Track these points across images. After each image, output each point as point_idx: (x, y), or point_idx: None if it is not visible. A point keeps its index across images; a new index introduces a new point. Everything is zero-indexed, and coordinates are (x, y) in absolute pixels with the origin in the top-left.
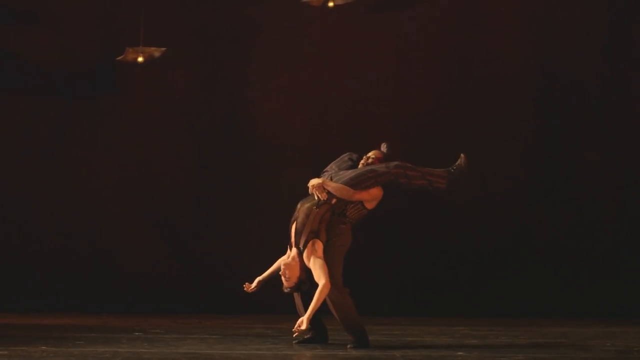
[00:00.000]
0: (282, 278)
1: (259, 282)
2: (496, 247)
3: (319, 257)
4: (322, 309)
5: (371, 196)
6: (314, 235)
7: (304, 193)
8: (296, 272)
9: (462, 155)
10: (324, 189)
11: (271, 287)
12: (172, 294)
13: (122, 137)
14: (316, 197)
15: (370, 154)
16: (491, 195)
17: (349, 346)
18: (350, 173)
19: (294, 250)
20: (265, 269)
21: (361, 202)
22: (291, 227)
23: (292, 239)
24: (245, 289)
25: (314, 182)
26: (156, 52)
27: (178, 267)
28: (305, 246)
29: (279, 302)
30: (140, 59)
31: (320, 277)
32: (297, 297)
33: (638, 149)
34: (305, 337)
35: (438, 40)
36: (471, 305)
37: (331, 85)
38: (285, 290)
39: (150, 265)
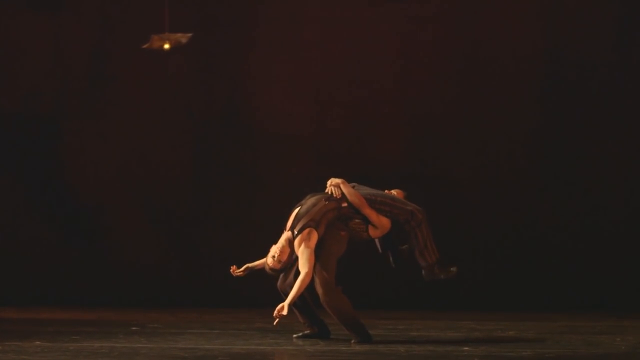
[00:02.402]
0: (269, 258)
1: (247, 268)
2: (504, 238)
3: (309, 247)
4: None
5: (379, 223)
6: (313, 224)
7: (306, 184)
8: (285, 255)
9: (454, 269)
10: (341, 189)
11: (272, 280)
12: (171, 287)
13: (119, 126)
14: (329, 193)
15: (393, 190)
16: (498, 186)
17: (353, 341)
18: (372, 190)
19: (287, 233)
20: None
21: (366, 224)
22: (291, 212)
23: (289, 223)
24: (231, 271)
25: (334, 179)
26: (183, 38)
27: (177, 260)
28: (300, 232)
29: (281, 296)
30: (166, 46)
31: (304, 265)
32: (281, 280)
33: None
34: (306, 332)
35: (444, 27)
36: (478, 299)
37: (333, 73)
38: (269, 271)
39: (149, 258)
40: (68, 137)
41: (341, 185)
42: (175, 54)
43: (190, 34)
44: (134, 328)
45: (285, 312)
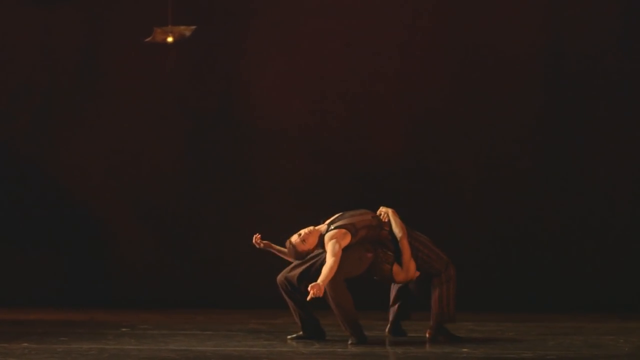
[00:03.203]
0: (295, 235)
1: (268, 244)
2: (503, 237)
3: (338, 244)
4: (315, 305)
5: (407, 264)
6: (352, 229)
7: (303, 180)
8: (311, 239)
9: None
10: (389, 216)
11: (267, 280)
12: (163, 287)
13: (110, 122)
14: (379, 214)
15: (382, 208)
16: (500, 182)
17: (350, 342)
18: (423, 235)
19: (323, 225)
20: (261, 260)
21: (394, 261)
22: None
23: (331, 218)
24: (254, 240)
25: (385, 208)
26: (187, 30)
27: (168, 259)
28: (336, 229)
29: (275, 297)
30: (170, 39)
31: (331, 256)
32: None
33: None
34: (300, 333)
35: (444, 18)
36: (477, 299)
37: (331, 65)
38: (287, 247)
39: (139, 257)
40: (58, 133)
41: (390, 213)
42: (171, 48)
43: (193, 27)
44: (124, 329)
45: (321, 293)
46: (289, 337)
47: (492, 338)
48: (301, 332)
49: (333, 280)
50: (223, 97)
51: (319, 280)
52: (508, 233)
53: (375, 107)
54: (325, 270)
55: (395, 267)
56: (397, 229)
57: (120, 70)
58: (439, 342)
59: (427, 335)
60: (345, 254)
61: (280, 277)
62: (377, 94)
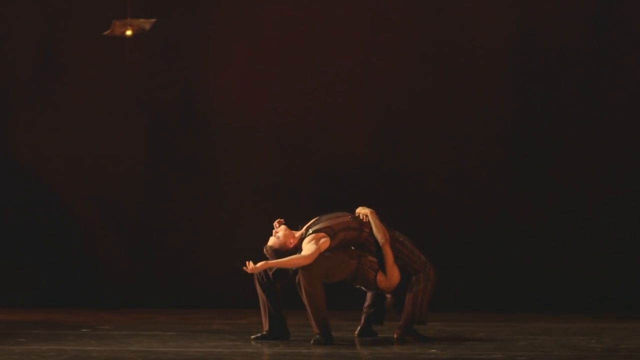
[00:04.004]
0: (272, 239)
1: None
2: (472, 236)
3: (317, 247)
4: (285, 304)
5: (391, 270)
6: (330, 232)
7: (267, 177)
8: (288, 241)
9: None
10: (369, 217)
11: (232, 279)
12: (122, 286)
13: (69, 117)
14: (357, 215)
15: (359, 208)
16: (469, 181)
17: (312, 341)
18: (402, 235)
19: (302, 230)
20: (226, 261)
21: (378, 268)
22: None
23: (308, 223)
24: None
25: (364, 208)
26: (146, 24)
27: (129, 257)
28: (314, 232)
29: (239, 296)
30: (129, 33)
31: (306, 250)
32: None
33: (628, 130)
34: (264, 333)
35: (414, 13)
36: (446, 300)
37: (295, 60)
38: (266, 250)
39: (99, 255)
40: (16, 128)
41: (369, 215)
42: (125, 42)
43: (153, 20)
44: (84, 330)
45: (255, 271)
46: (252, 337)
47: (462, 338)
48: (265, 332)
49: (310, 276)
50: (185, 90)
51: (272, 262)
52: (478, 232)
53: (343, 103)
54: (286, 258)
55: (380, 275)
56: (379, 234)
57: (79, 63)
58: (406, 343)
59: (395, 335)
60: (328, 258)
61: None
62: (344, 90)
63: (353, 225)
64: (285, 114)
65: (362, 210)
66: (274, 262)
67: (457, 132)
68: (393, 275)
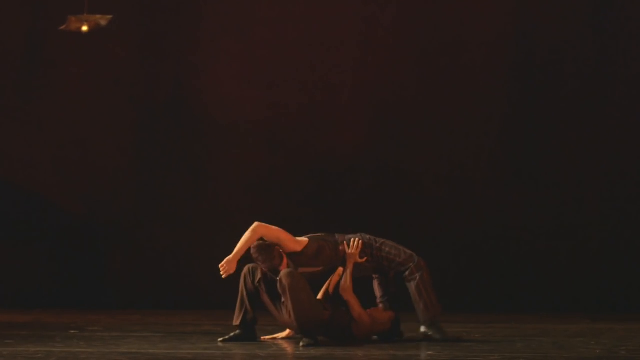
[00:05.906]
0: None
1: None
2: (469, 236)
3: (285, 235)
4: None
5: (358, 317)
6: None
7: (259, 174)
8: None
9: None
10: (358, 249)
11: (223, 280)
12: (112, 286)
13: (56, 114)
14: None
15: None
16: (463, 179)
17: (301, 344)
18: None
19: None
20: (217, 261)
21: (349, 321)
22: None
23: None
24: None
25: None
26: (102, 20)
27: (118, 257)
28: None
29: (229, 297)
30: (85, 28)
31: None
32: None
33: (624, 127)
34: (234, 334)
35: (406, 8)
36: (442, 300)
37: (288, 55)
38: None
39: (86, 254)
40: (2, 124)
41: (349, 257)
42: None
43: (110, 16)
44: (72, 331)
45: (232, 270)
46: (220, 339)
47: (458, 339)
48: (236, 332)
49: (290, 274)
50: (175, 86)
51: (238, 247)
52: (473, 232)
53: (333, 99)
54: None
55: (354, 325)
56: (343, 280)
57: (67, 59)
58: (430, 339)
59: (423, 329)
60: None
61: (247, 266)
62: (335, 86)
63: (332, 241)
64: (276, 111)
65: (351, 244)
66: (238, 250)
67: (453, 130)
68: (363, 320)
